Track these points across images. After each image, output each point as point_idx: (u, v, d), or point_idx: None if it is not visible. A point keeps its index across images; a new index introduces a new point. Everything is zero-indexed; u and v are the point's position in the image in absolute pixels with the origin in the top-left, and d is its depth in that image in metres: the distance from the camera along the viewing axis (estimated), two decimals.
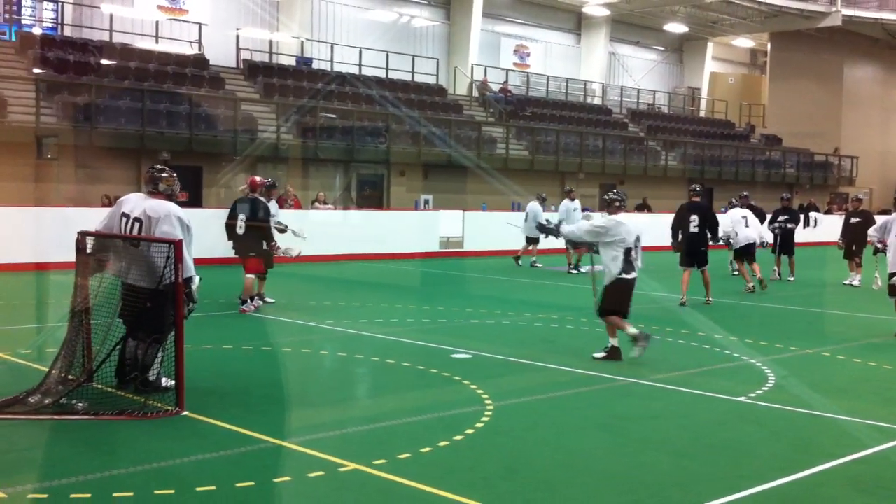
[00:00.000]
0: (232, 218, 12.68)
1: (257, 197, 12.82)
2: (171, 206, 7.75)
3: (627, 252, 9.63)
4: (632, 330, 9.68)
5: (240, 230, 12.49)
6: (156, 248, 7.36)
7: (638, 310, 14.03)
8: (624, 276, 9.65)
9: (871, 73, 47.93)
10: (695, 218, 14.69)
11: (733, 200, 23.47)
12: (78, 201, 20.64)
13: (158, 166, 8.21)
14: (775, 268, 19.53)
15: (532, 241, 21.20)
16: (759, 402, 8.08)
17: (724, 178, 38.31)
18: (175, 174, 8.09)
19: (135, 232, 7.64)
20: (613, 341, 9.79)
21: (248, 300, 12.62)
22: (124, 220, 7.74)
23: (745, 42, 49.09)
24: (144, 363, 7.55)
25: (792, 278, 19.20)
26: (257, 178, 13.07)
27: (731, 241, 17.23)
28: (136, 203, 7.80)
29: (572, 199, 20.84)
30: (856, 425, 7.38)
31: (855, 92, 46.34)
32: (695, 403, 8.05)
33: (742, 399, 8.15)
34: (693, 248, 14.76)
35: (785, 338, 11.72)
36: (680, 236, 14.91)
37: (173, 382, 7.29)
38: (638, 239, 9.74)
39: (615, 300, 9.74)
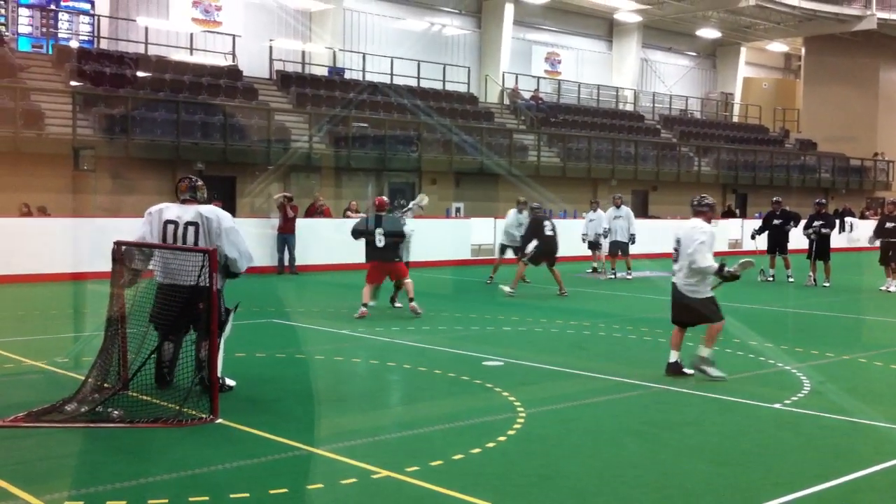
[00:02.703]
0: (369, 230, 13.40)
1: (389, 214, 13.82)
2: (219, 209, 8.13)
3: None
4: None
5: (379, 243, 13.27)
6: (224, 249, 7.80)
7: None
8: None
9: None
10: None
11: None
12: (114, 211, 20.87)
13: (191, 177, 8.42)
14: (810, 273, 19.33)
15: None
16: (795, 408, 7.99)
17: (758, 183, 38.03)
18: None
19: (190, 235, 7.89)
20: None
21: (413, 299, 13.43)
22: (172, 226, 7.93)
23: (778, 46, 48.69)
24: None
25: (827, 284, 19.00)
26: (385, 199, 14.23)
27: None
28: (180, 210, 8.03)
29: (618, 207, 20.75)
30: (894, 432, 7.27)
31: (891, 96, 45.73)
32: (730, 410, 7.97)
33: (778, 406, 8.06)
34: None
35: (820, 344, 11.59)
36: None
37: (234, 382, 7.45)
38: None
39: None
